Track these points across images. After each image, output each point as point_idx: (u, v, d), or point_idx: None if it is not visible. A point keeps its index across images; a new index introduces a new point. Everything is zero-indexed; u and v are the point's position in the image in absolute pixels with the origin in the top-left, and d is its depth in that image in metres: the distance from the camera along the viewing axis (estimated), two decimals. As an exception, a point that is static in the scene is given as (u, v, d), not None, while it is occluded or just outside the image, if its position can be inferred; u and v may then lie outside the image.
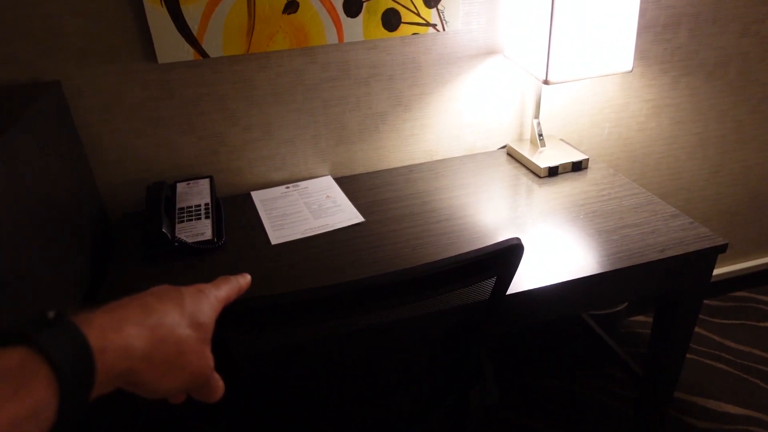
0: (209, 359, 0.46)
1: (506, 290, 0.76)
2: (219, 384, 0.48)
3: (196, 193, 1.16)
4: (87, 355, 0.35)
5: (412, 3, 1.16)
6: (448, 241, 1.03)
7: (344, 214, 1.14)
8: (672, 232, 1.01)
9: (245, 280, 0.56)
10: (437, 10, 1.18)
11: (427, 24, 1.19)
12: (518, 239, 0.70)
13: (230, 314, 0.64)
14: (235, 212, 1.18)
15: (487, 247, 0.68)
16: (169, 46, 1.07)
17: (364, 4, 1.13)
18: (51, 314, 0.36)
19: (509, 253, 0.70)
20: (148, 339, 0.40)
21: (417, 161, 1.38)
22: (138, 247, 1.07)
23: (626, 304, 1.68)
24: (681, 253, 0.95)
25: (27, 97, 0.95)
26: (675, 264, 0.96)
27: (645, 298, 1.79)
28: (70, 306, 0.89)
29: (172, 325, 0.43)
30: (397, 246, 1.03)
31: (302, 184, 1.28)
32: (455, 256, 0.66)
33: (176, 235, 1.04)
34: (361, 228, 1.09)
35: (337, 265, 0.99)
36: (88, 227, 1.06)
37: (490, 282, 0.73)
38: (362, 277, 0.63)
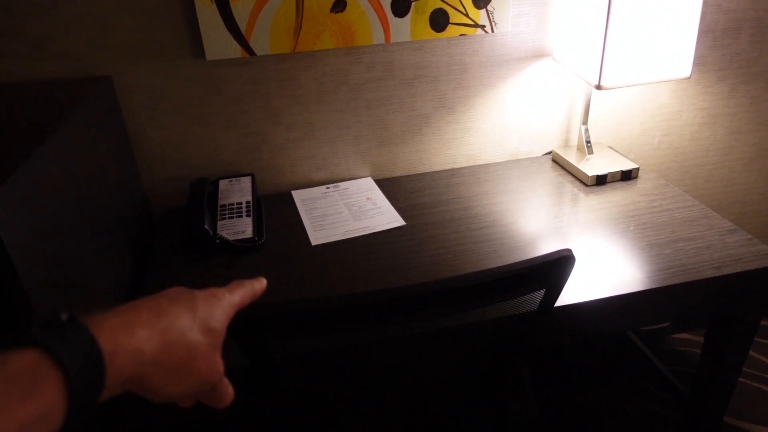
0: (219, 365, 0.45)
1: (554, 303, 0.73)
2: (228, 390, 0.48)
3: (238, 191, 1.16)
4: (97, 358, 0.35)
5: (461, 3, 1.14)
6: (490, 249, 1.01)
7: (384, 216, 1.12)
8: (729, 248, 0.96)
9: (260, 284, 0.54)
10: (486, 11, 1.16)
11: (476, 25, 1.17)
12: (569, 250, 0.67)
13: (273, 316, 0.64)
14: (276, 211, 1.18)
15: (537, 257, 0.65)
16: (217, 44, 1.08)
17: (413, 4, 1.11)
18: (64, 316, 0.36)
19: (560, 265, 0.67)
20: (159, 343, 0.40)
21: (459, 165, 1.35)
22: (180, 243, 1.08)
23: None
24: (739, 270, 0.90)
25: (81, 91, 0.97)
26: (732, 282, 0.91)
27: (693, 316, 1.72)
28: (114, 298, 0.90)
29: (183, 329, 0.42)
30: (438, 251, 1.00)
31: (342, 184, 1.27)
32: (505, 265, 0.64)
33: (218, 232, 1.05)
34: (402, 232, 1.08)
35: (378, 268, 0.97)
36: (133, 221, 1.08)
37: (539, 294, 0.70)
38: (411, 284, 0.62)
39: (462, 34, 1.18)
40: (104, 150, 0.97)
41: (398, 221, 1.11)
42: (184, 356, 0.42)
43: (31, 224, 0.66)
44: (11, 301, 0.62)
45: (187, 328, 0.43)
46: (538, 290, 0.70)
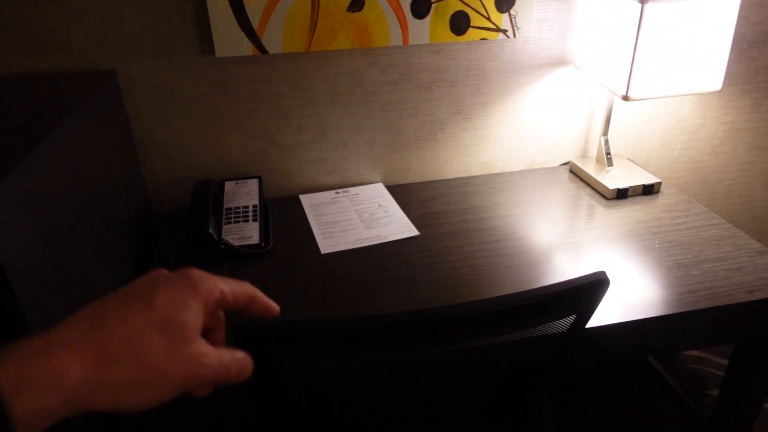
0: (195, 357, 0.38)
1: (583, 329, 0.69)
2: (240, 364, 0.40)
3: (244, 194, 1.11)
4: None
5: (484, 6, 1.09)
6: (508, 264, 0.96)
7: (397, 225, 1.08)
8: (760, 271, 0.91)
9: (274, 310, 0.45)
10: (509, 15, 1.11)
11: (498, 29, 1.12)
12: (604, 273, 0.62)
13: (282, 334, 0.59)
14: (283, 216, 1.13)
15: (570, 281, 0.61)
16: (228, 41, 1.03)
17: (433, 6, 1.07)
18: None
19: (594, 289, 0.63)
20: (92, 360, 0.34)
21: (474, 173, 1.31)
22: (182, 246, 1.03)
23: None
24: (773, 296, 0.85)
25: (83, 85, 0.92)
26: (766, 307, 0.86)
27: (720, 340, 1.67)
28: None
29: (129, 336, 0.36)
30: (455, 264, 0.96)
31: (352, 190, 1.23)
32: (535, 289, 0.59)
33: (223, 236, 1.00)
34: (415, 242, 1.03)
35: (391, 280, 0.93)
36: (134, 222, 1.03)
37: (569, 320, 0.65)
38: (434, 307, 0.57)
39: (483, 39, 1.13)
40: (106, 147, 0.92)
41: (412, 231, 1.06)
42: (134, 366, 0.36)
43: (28, 226, 0.61)
44: (2, 308, 0.58)
45: (136, 332, 0.36)
46: (569, 316, 0.65)
